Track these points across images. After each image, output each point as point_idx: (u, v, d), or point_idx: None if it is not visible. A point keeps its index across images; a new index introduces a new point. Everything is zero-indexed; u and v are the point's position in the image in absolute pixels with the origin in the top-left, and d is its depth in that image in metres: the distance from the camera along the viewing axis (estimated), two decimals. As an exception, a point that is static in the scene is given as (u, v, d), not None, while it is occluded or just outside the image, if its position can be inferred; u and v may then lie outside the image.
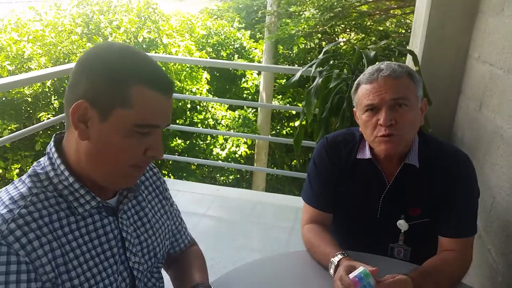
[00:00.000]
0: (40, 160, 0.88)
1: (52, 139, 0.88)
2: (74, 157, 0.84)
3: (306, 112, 2.14)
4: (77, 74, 0.81)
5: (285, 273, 1.27)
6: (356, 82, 1.31)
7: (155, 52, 8.81)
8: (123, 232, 0.92)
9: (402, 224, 1.32)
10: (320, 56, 2.20)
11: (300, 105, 9.99)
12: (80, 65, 0.81)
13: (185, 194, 3.40)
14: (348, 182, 1.37)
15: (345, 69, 2.22)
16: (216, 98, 10.11)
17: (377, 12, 8.86)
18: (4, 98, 7.25)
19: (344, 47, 9.30)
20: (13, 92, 7.21)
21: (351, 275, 1.03)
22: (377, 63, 1.29)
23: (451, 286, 1.20)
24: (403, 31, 9.53)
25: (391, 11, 9.00)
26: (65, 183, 0.83)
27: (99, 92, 0.79)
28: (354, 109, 1.36)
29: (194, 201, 3.29)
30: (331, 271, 1.16)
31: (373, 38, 9.62)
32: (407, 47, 2.41)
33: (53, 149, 0.86)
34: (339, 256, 1.17)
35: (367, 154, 1.33)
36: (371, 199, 1.35)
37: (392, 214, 1.34)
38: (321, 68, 2.18)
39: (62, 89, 7.73)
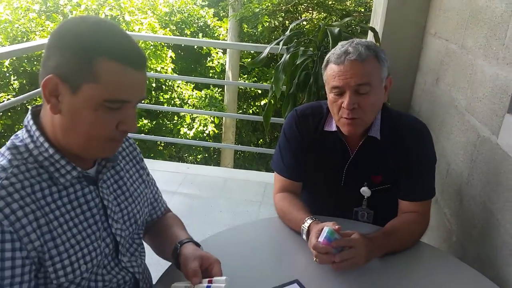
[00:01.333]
0: (17, 133, 0.89)
1: (29, 112, 0.89)
2: (50, 130, 0.86)
3: (274, 88, 2.20)
4: (49, 48, 0.81)
5: (259, 238, 1.35)
6: (326, 58, 1.36)
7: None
8: (104, 201, 0.95)
9: (365, 191, 1.43)
10: (287, 33, 2.26)
11: (265, 83, 10.06)
12: (52, 38, 0.82)
13: (156, 173, 3.35)
14: (315, 152, 1.45)
15: (311, 47, 2.29)
16: (183, 76, 9.98)
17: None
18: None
19: (307, 26, 9.37)
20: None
21: (320, 239, 1.11)
22: (342, 42, 1.33)
23: (412, 243, 1.31)
24: (362, 9, 9.71)
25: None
26: (45, 154, 0.85)
27: (68, 67, 0.79)
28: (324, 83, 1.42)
29: (165, 180, 3.32)
30: (304, 236, 1.25)
31: (334, 18, 9.75)
32: (368, 25, 2.50)
33: (31, 122, 0.87)
34: (309, 221, 1.25)
35: (333, 127, 1.41)
36: (336, 168, 1.45)
37: (355, 181, 1.44)
38: (288, 45, 2.24)
39: (21, 69, 7.45)
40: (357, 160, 1.41)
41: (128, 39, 0.83)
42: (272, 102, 2.33)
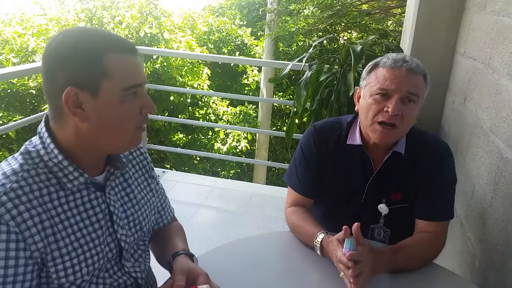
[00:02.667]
0: (32, 139, 0.94)
1: (43, 120, 0.94)
2: (71, 140, 0.90)
3: (296, 104, 2.21)
4: (50, 70, 0.86)
5: (267, 251, 1.34)
6: (372, 63, 1.34)
7: (157, 47, 8.90)
8: (110, 207, 0.99)
9: (382, 208, 1.39)
10: (310, 50, 2.27)
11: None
12: (48, 62, 0.87)
13: (184, 185, 3.48)
14: (335, 168, 1.42)
15: (336, 64, 2.29)
16: (217, 92, 10.19)
17: (377, 11, 8.90)
18: (9, 91, 7.36)
19: (344, 46, 9.35)
20: (18, 85, 7.32)
21: (347, 253, 1.09)
22: (392, 54, 1.33)
23: (422, 264, 1.26)
24: (402, 29, 9.58)
25: (392, 10, 9.04)
26: (54, 160, 0.89)
27: (81, 74, 0.84)
28: (356, 87, 1.40)
29: (192, 192, 3.37)
30: (318, 252, 1.23)
31: (377, 39, 9.65)
32: (394, 43, 2.48)
33: (44, 129, 0.92)
34: (321, 236, 1.23)
35: (357, 140, 1.38)
36: (357, 184, 1.41)
37: (375, 198, 1.41)
38: (310, 62, 2.25)
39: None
40: (380, 176, 1.38)
41: (116, 34, 0.93)
42: (295, 118, 2.34)
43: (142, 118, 0.93)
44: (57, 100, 0.86)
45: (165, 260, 1.08)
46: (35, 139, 0.93)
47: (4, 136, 7.22)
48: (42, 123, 0.93)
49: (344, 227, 1.14)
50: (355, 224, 1.13)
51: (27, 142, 0.93)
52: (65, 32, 0.89)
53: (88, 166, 0.94)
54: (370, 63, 1.34)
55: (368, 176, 1.39)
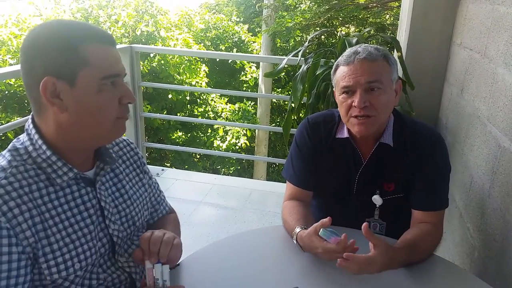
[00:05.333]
0: (19, 136, 0.93)
1: (30, 117, 0.93)
2: (54, 133, 0.90)
3: (293, 98, 2.20)
4: (28, 61, 0.86)
5: (261, 245, 1.34)
6: (335, 63, 1.36)
7: (154, 45, 8.88)
8: (101, 202, 0.98)
9: (376, 199, 1.39)
10: (306, 44, 2.26)
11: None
12: (26, 52, 0.86)
13: (183, 183, 3.47)
14: (327, 161, 1.43)
15: (332, 58, 2.28)
16: (214, 89, 10.15)
17: (374, 5, 8.88)
18: (7, 92, 7.33)
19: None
20: (15, 86, 7.29)
21: (330, 241, 1.10)
22: (353, 47, 1.34)
23: (428, 257, 1.26)
24: (399, 22, 9.57)
25: (389, 4, 9.01)
26: (43, 156, 0.89)
27: (58, 64, 0.84)
28: (333, 89, 1.41)
29: (191, 189, 3.37)
30: (299, 248, 1.23)
31: (372, 31, 9.64)
32: (389, 34, 2.47)
33: (31, 126, 0.91)
34: (297, 231, 1.24)
35: (345, 134, 1.39)
36: (348, 176, 1.42)
37: (367, 190, 1.40)
38: (306, 56, 2.24)
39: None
40: (369, 168, 1.38)
41: (94, 25, 0.92)
42: (293, 113, 2.33)
43: (122, 109, 0.93)
44: (36, 91, 0.85)
45: None
46: (23, 136, 0.92)
47: (3, 137, 7.21)
48: (29, 120, 0.93)
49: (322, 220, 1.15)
50: (364, 225, 1.11)
51: (14, 140, 0.93)
52: (43, 24, 0.88)
53: (76, 161, 0.94)
54: (334, 64, 1.36)
55: (357, 168, 1.40)
